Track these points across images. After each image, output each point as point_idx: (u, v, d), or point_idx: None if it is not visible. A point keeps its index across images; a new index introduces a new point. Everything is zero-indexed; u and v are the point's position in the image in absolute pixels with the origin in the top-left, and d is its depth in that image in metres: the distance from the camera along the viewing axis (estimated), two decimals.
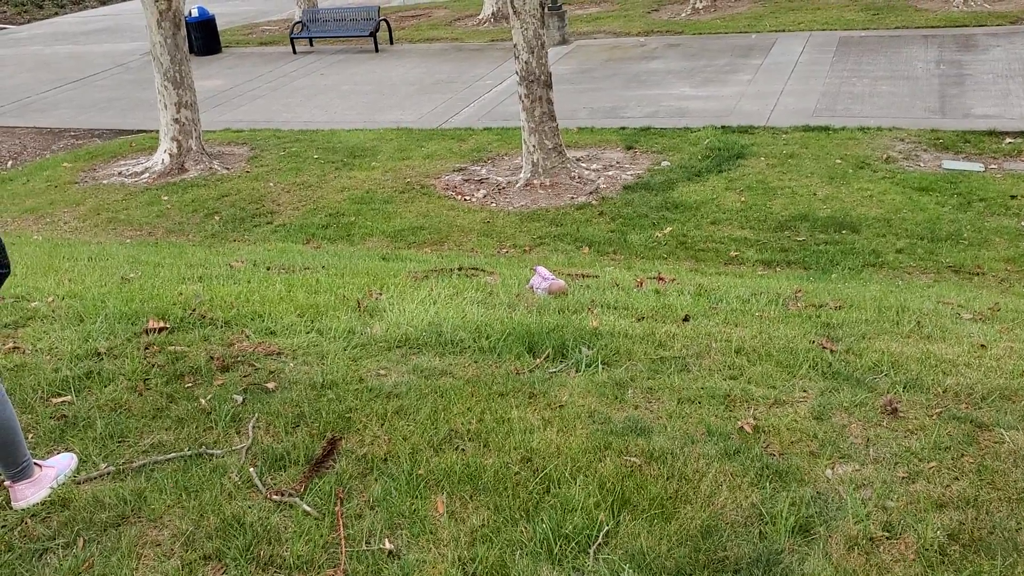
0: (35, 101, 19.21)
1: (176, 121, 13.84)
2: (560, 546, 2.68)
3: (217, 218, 12.11)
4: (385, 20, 20.94)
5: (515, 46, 11.35)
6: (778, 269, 9.00)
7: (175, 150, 13.91)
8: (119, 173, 14.07)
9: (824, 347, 4.05)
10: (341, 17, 21.13)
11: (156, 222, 12.16)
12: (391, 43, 20.88)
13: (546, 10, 11.34)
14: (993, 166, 11.01)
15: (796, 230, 9.88)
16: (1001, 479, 2.86)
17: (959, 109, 12.83)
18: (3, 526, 2.96)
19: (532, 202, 11.40)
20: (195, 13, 21.35)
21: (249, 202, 12.49)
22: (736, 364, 3.89)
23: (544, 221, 10.79)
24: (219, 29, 22.66)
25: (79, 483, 3.16)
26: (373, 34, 20.25)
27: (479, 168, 12.70)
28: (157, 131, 14.82)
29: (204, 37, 21.86)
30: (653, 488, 2.91)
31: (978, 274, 8.70)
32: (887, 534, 2.67)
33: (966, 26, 17.03)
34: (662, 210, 10.60)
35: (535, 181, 11.73)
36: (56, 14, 32.83)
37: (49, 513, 3.02)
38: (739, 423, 3.33)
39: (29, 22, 31.34)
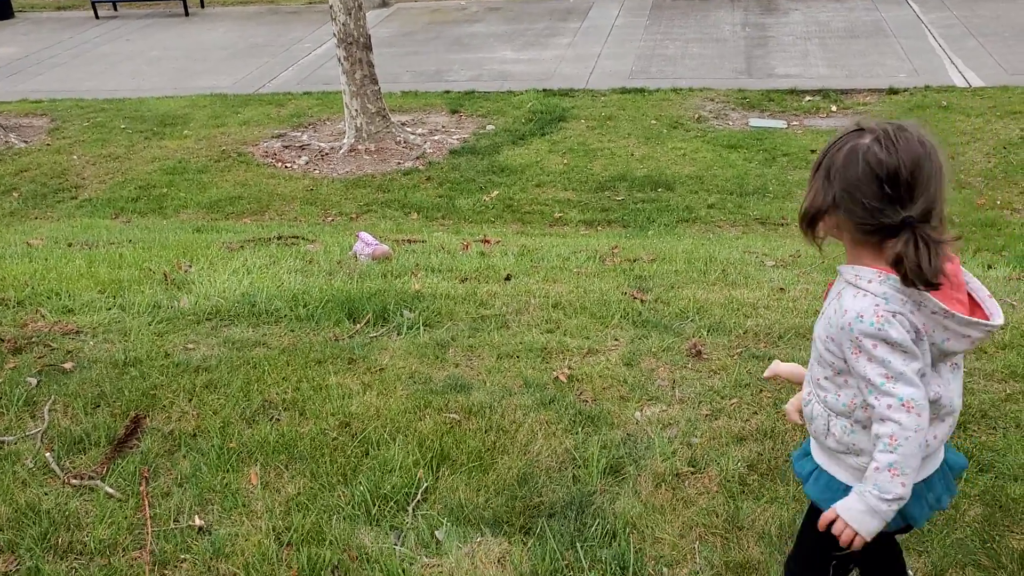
0: None
1: None
2: (379, 506, 2.66)
3: (16, 195, 11.25)
4: None
5: (331, 7, 11.05)
6: (599, 228, 9.23)
7: None
8: None
9: (635, 297, 4.18)
10: None
11: None
12: (202, 6, 19.91)
13: None
14: (795, 123, 11.65)
15: (616, 190, 10.14)
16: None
17: (763, 69, 13.48)
18: None
19: (357, 168, 11.19)
20: None
21: (51, 176, 11.66)
22: (553, 318, 3.97)
23: (371, 187, 10.62)
24: None
25: None
26: None
27: (300, 134, 12.34)
28: None
29: None
30: (472, 442, 2.92)
31: (783, 224, 9.22)
32: (692, 469, 2.80)
33: None
34: (488, 174, 10.64)
35: (359, 146, 11.51)
36: None
37: None
38: (554, 373, 3.40)
39: None
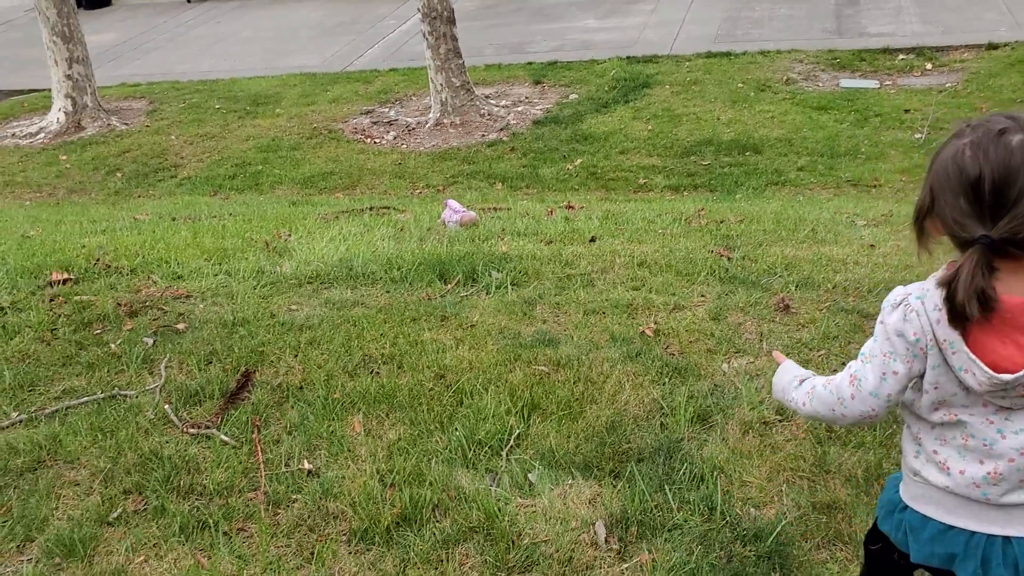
0: None
1: (68, 77, 13.29)
2: (474, 451, 2.79)
3: (119, 175, 11.78)
4: None
5: None
6: (685, 193, 9.20)
7: (70, 108, 13.38)
8: (12, 135, 13.51)
9: (722, 255, 4.21)
10: None
11: (56, 182, 11.77)
12: None
13: None
14: (888, 82, 11.35)
15: (702, 155, 10.07)
16: None
17: (854, 28, 13.12)
18: None
19: (443, 141, 11.37)
20: None
21: (151, 157, 12.17)
22: (639, 276, 4.03)
23: (456, 160, 10.78)
24: None
25: None
26: None
27: (387, 110, 12.57)
28: (49, 89, 14.24)
29: None
30: (561, 392, 3.03)
31: (875, 186, 9.03)
32: (779, 417, 2.85)
33: None
34: (572, 143, 10.68)
35: (445, 120, 11.68)
36: None
37: None
38: (641, 328, 3.47)
39: None
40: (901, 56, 11.88)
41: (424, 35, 11.49)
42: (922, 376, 1.58)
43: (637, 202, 8.11)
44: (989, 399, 1.54)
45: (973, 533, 1.60)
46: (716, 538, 2.38)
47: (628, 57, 12.92)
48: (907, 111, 10.34)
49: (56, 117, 13.36)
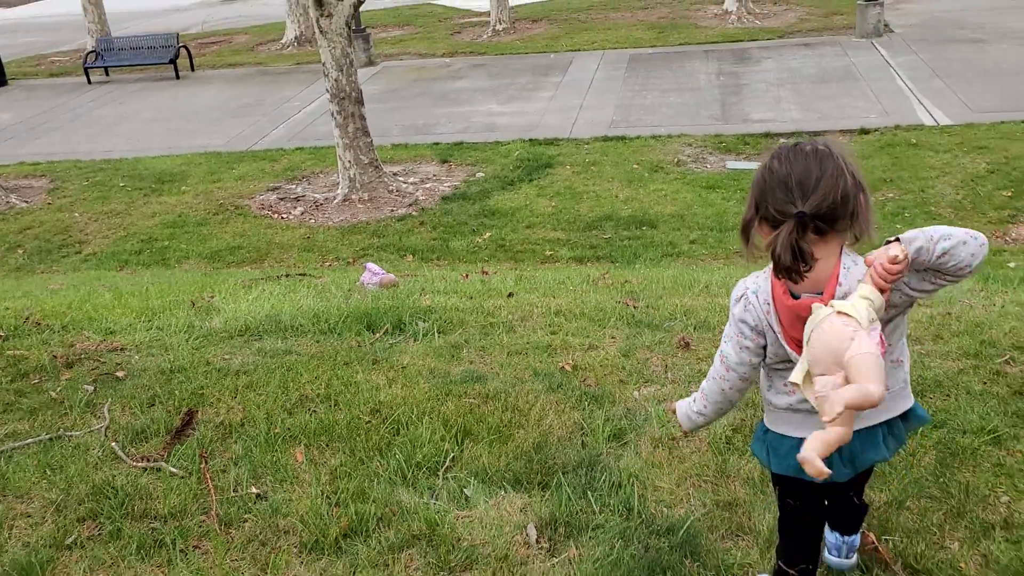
0: None
1: None
2: (412, 472, 3.03)
3: (20, 251, 11.63)
4: (185, 47, 20.57)
5: (324, 64, 11.60)
6: (588, 264, 9.68)
7: None
8: None
9: (628, 304, 4.61)
10: (138, 45, 20.56)
11: None
12: (192, 70, 20.53)
13: (351, 31, 11.67)
14: None
15: (602, 229, 10.62)
16: None
17: (738, 115, 14.10)
18: None
19: (352, 216, 11.64)
20: None
21: (55, 233, 12.07)
22: (555, 323, 4.38)
23: (366, 233, 11.07)
24: (3, 61, 21.46)
25: None
26: (173, 61, 19.86)
27: (294, 186, 12.82)
28: None
29: None
30: (491, 420, 3.31)
31: (761, 257, 9.68)
32: (685, 435, 3.20)
33: (740, 41, 18.70)
34: (480, 217, 11.11)
35: (353, 196, 11.98)
36: None
37: None
38: (560, 364, 3.81)
39: None
40: (781, 140, 12.76)
41: (332, 114, 11.85)
42: (765, 347, 2.13)
43: (546, 270, 8.54)
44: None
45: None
46: (634, 534, 2.69)
47: (531, 139, 13.55)
48: None
49: None
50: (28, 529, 2.91)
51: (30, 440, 3.38)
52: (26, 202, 13.33)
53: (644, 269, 8.46)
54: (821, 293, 2.00)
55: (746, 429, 3.16)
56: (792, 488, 2.24)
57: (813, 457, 1.88)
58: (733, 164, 12.29)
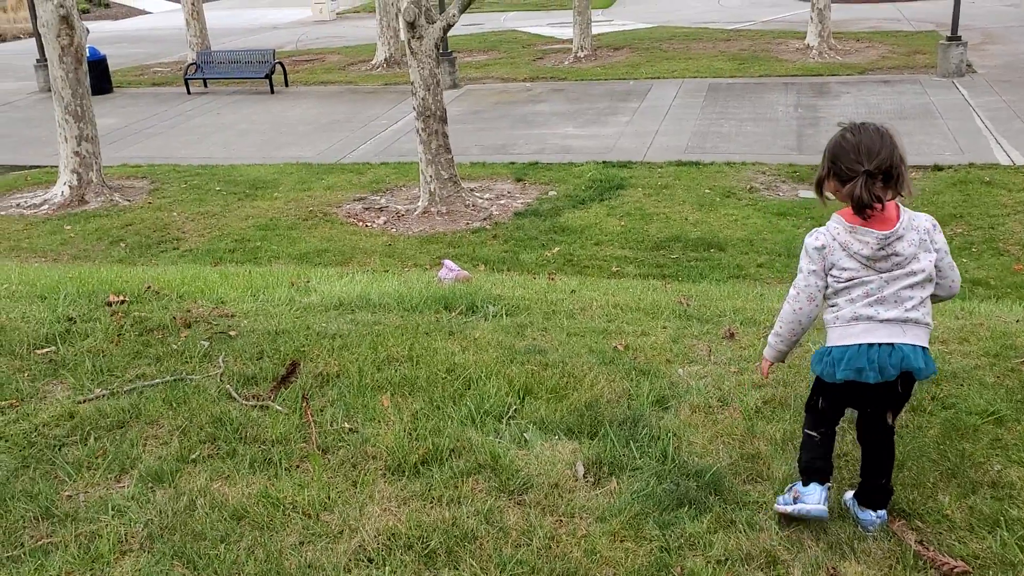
0: None
1: (76, 154, 14.11)
2: (480, 418, 3.54)
3: (123, 245, 12.52)
4: (280, 63, 21.64)
5: (412, 83, 12.30)
6: (653, 281, 10.09)
7: (75, 182, 14.15)
8: (17, 205, 14.23)
9: (681, 303, 5.06)
10: (236, 59, 21.71)
11: (61, 249, 12.45)
12: (286, 85, 21.58)
13: (439, 53, 12.36)
14: None
15: (670, 249, 11.03)
16: (805, 370, 3.88)
17: (814, 147, 14.37)
18: (21, 430, 3.62)
19: (430, 227, 12.28)
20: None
21: (154, 230, 12.95)
22: (612, 314, 4.86)
23: (442, 243, 11.68)
24: (110, 70, 22.84)
25: (79, 403, 3.83)
26: (268, 76, 20.92)
27: (378, 198, 13.53)
28: (52, 166, 15.05)
29: (95, 77, 21.88)
30: (549, 382, 3.81)
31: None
32: (720, 403, 3.64)
33: (820, 75, 18.97)
34: (550, 233, 11.63)
35: (432, 209, 12.62)
36: None
37: (58, 422, 3.69)
38: (614, 344, 4.28)
39: None
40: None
41: (417, 131, 12.54)
42: (829, 270, 2.79)
43: (609, 281, 9.00)
44: (870, 264, 2.73)
45: (871, 345, 2.73)
46: (667, 475, 3.14)
47: (604, 162, 14.05)
48: None
49: (61, 190, 14.11)
50: (158, 447, 3.49)
51: (157, 380, 3.98)
52: (128, 200, 14.29)
53: (707, 286, 8.86)
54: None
55: (775, 402, 3.59)
56: (838, 393, 2.84)
57: None
58: (806, 193, 12.56)
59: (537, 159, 14.51)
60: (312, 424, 3.53)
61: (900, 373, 2.73)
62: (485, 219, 12.30)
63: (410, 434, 3.43)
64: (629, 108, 17.28)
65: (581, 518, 2.93)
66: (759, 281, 10.03)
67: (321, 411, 3.68)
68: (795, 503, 2.86)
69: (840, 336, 2.79)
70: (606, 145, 14.95)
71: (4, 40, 34.15)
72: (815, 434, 2.91)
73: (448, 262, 6.72)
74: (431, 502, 3.03)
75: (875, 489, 2.88)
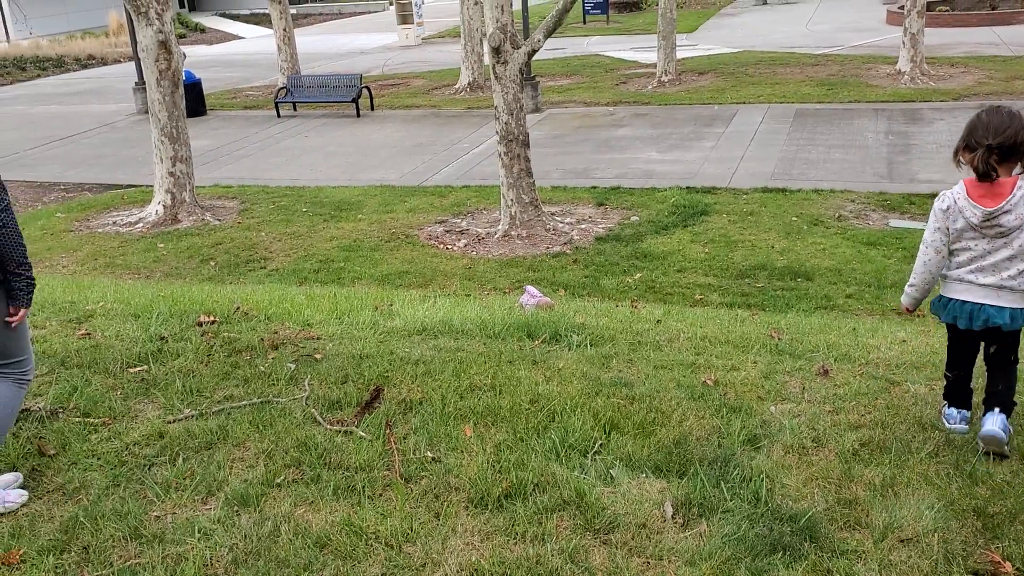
0: (23, 157, 19.83)
1: (171, 174, 14.54)
2: (565, 451, 3.47)
3: (212, 263, 12.83)
4: (367, 87, 22.03)
5: (496, 108, 12.36)
6: (738, 311, 9.87)
7: (169, 202, 14.58)
8: (113, 223, 14.72)
9: (772, 336, 4.91)
10: (324, 84, 22.18)
11: (153, 266, 12.82)
12: (372, 109, 21.94)
13: (523, 78, 12.39)
14: None
15: (755, 278, 10.79)
16: (904, 412, 3.71)
17: (905, 175, 13.97)
18: (113, 448, 3.68)
19: (510, 251, 12.27)
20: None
21: (242, 249, 13.24)
22: (701, 346, 4.74)
23: (522, 267, 11.65)
24: (204, 93, 23.58)
25: (169, 423, 3.88)
26: (355, 100, 21.31)
27: (459, 221, 13.59)
28: (147, 185, 15.53)
29: (190, 100, 22.68)
30: (636, 417, 3.71)
31: (920, 316, 9.62)
32: (815, 444, 3.50)
33: (913, 101, 18.46)
34: (632, 259, 11.50)
35: (512, 232, 12.62)
36: (38, 76, 33.62)
37: (148, 442, 3.74)
38: (703, 379, 4.16)
39: (12, 83, 32.07)
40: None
41: (499, 155, 12.57)
42: (950, 226, 3.36)
43: (694, 310, 8.83)
44: (982, 231, 3.31)
45: (964, 302, 3.41)
46: (760, 519, 3.01)
47: (688, 187, 13.87)
48: None
49: (155, 209, 14.55)
50: (244, 470, 3.50)
51: (244, 402, 4.02)
52: (219, 220, 14.65)
53: (795, 317, 8.63)
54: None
55: (873, 445, 3.43)
56: (951, 332, 3.57)
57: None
58: (896, 223, 12.18)
59: (619, 184, 14.41)
60: (396, 452, 3.51)
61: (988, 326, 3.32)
62: (566, 243, 12.23)
63: (493, 466, 3.38)
64: (714, 133, 17.06)
65: (670, 561, 2.83)
66: (848, 312, 9.72)
67: (404, 438, 3.65)
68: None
69: (948, 290, 3.51)
70: (690, 170, 14.77)
71: (105, 63, 35.59)
72: (950, 375, 3.61)
73: (530, 288, 6.67)
74: (514, 538, 2.96)
75: (991, 395, 3.47)
